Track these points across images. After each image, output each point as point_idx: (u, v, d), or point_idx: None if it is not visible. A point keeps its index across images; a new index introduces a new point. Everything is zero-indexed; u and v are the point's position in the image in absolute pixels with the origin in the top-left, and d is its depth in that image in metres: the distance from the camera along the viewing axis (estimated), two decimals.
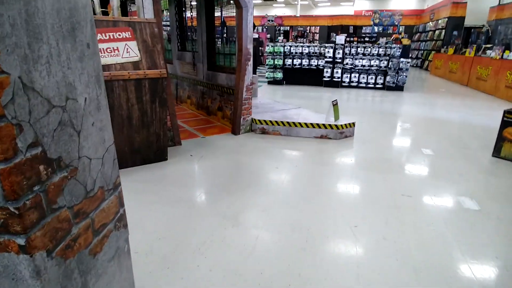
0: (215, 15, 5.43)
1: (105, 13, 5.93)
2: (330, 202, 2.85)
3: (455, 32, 15.22)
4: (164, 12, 7.50)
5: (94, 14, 5.46)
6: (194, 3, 5.68)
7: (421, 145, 4.46)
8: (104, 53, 3.01)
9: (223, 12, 5.57)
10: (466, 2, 15.45)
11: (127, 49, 3.07)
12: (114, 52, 3.04)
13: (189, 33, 6.44)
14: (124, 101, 3.13)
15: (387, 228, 2.44)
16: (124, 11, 5.68)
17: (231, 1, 5.10)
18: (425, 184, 3.26)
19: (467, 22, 15.19)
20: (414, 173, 3.56)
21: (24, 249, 0.60)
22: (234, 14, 5.29)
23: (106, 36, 3.05)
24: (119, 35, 3.11)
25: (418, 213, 2.68)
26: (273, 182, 3.27)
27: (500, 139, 3.87)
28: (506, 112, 3.81)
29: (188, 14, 6.28)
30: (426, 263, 2.06)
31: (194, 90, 6.15)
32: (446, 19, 15.79)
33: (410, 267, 2.02)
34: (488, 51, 9.77)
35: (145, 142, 3.44)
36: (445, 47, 14.75)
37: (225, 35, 6.25)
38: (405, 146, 4.57)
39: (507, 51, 8.85)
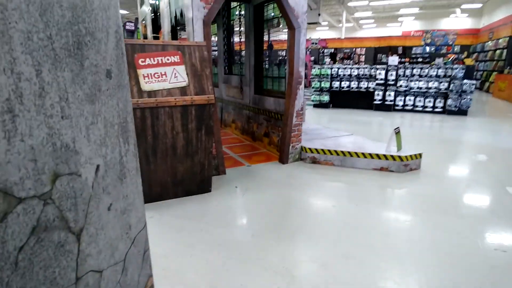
0: (264, 38, 5.24)
1: (156, 39, 6.04)
2: (400, 257, 2.30)
3: None
4: (212, 37, 7.56)
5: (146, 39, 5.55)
6: (242, 28, 5.57)
7: (503, 182, 3.70)
8: (152, 78, 2.84)
9: (271, 35, 5.37)
10: None
11: (175, 73, 2.88)
12: (162, 77, 2.87)
13: (236, 57, 6.33)
14: (169, 129, 2.91)
15: None
16: (175, 37, 5.73)
17: (280, 24, 4.88)
18: None
19: None
20: (503, 219, 2.86)
21: None
22: (280, 37, 5.06)
23: (154, 61, 2.90)
24: (168, 59, 2.94)
25: None
26: (330, 225, 2.79)
27: None
28: None
29: (236, 38, 6.20)
30: None
31: (239, 114, 5.93)
32: (508, 38, 14.39)
33: None
34: None
35: (188, 172, 3.17)
36: (508, 67, 13.32)
37: (271, 58, 6.05)
38: (482, 182, 3.83)
39: None
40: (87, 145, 0.41)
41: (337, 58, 17.85)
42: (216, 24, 6.52)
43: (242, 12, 5.45)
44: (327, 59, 15.66)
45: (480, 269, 2.15)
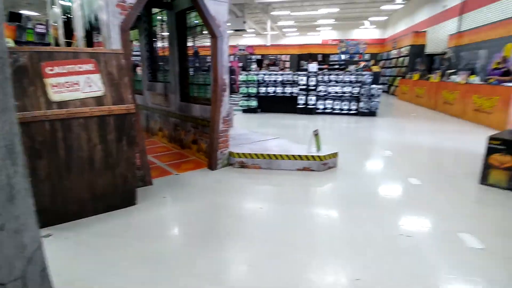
0: (188, 44, 5.21)
1: (68, 44, 5.54)
2: (324, 250, 2.53)
3: (418, 59, 16.11)
4: (134, 42, 7.22)
5: (58, 45, 5.07)
6: (166, 33, 5.45)
7: (407, 174, 4.33)
8: (62, 88, 2.62)
9: (196, 42, 5.37)
10: (426, 31, 16.58)
11: (89, 83, 2.70)
12: (74, 86, 2.67)
13: (160, 63, 6.16)
14: (85, 141, 2.71)
15: (393, 280, 2.15)
16: (90, 41, 5.33)
17: (204, 31, 4.92)
18: (420, 219, 3.06)
19: (428, 50, 16.22)
20: (407, 207, 3.36)
21: None
22: (208, 43, 5.10)
23: (64, 69, 2.68)
24: (80, 67, 2.75)
25: (422, 257, 2.43)
26: (257, 227, 2.92)
27: (487, 166, 3.81)
28: (491, 139, 3.77)
29: (160, 44, 6.04)
30: None
31: (166, 122, 5.78)
32: (409, 47, 16.78)
33: None
34: (453, 76, 10.28)
35: (110, 186, 2.99)
36: (409, 73, 15.53)
37: (197, 64, 6.04)
38: (390, 175, 4.42)
39: (472, 76, 9.33)
40: None
41: (263, 65, 18.54)
42: (137, 30, 6.26)
43: (165, 18, 5.35)
44: (254, 66, 16.17)
45: (391, 254, 2.48)
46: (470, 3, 13.26)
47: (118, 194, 3.08)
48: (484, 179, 3.82)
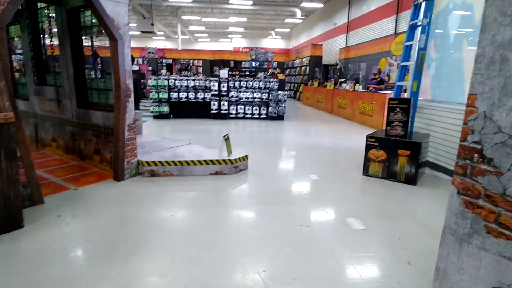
0: (85, 44, 4.75)
1: None
2: (234, 249, 2.64)
3: (316, 68, 17.99)
4: (16, 39, 6.22)
5: None
6: (55, 29, 4.85)
7: (308, 170, 4.81)
8: None
9: (95, 42, 4.93)
10: (322, 44, 18.63)
11: None
12: None
13: (50, 65, 5.45)
14: None
15: (295, 266, 2.38)
16: None
17: (102, 31, 4.58)
18: (317, 210, 3.44)
19: (324, 61, 18.27)
20: (307, 200, 3.73)
21: None
22: (107, 43, 4.75)
23: None
24: None
25: (318, 242, 2.74)
26: (168, 234, 2.86)
27: (367, 160, 4.52)
28: (368, 137, 4.49)
29: (48, 41, 5.34)
30: None
31: (61, 131, 5.14)
32: (309, 57, 18.58)
33: None
34: (343, 84, 11.81)
35: None
36: (310, 81, 17.21)
37: (99, 67, 5.55)
38: (294, 173, 4.84)
39: (357, 84, 10.89)
40: None
41: (174, 69, 18.08)
42: (19, 25, 5.43)
43: (53, 15, 4.77)
44: (163, 70, 15.66)
45: (293, 242, 2.72)
46: (353, 23, 15.53)
47: None
48: (366, 171, 4.54)
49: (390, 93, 7.74)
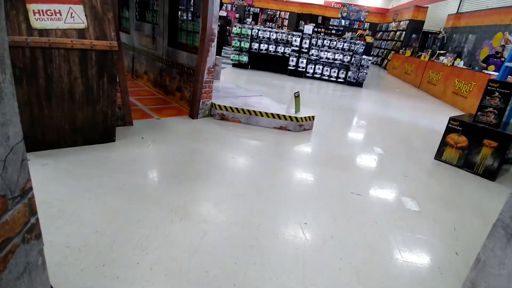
0: None
1: None
2: (282, 198, 2.83)
3: (414, 35, 15.98)
4: None
5: None
6: None
7: (374, 143, 4.63)
8: (43, 15, 2.61)
9: None
10: (428, 7, 16.24)
11: (72, 13, 2.70)
12: (56, 15, 2.66)
13: (150, 2, 5.94)
14: (65, 73, 2.77)
15: (335, 226, 2.49)
16: None
17: None
18: (373, 182, 3.39)
19: (426, 27, 16.03)
20: (365, 171, 3.68)
21: None
22: None
23: None
24: None
25: (364, 211, 2.77)
26: (227, 173, 3.17)
27: (443, 144, 4.14)
28: (451, 119, 4.06)
29: None
30: (367, 262, 2.12)
31: (152, 65, 5.74)
32: (408, 21, 16.50)
33: (352, 267, 2.07)
34: (441, 57, 10.40)
35: (89, 120, 3.12)
36: (403, 48, 15.47)
37: (191, 9, 5.86)
38: (359, 143, 4.72)
39: (458, 59, 9.48)
40: None
41: (260, 19, 17.87)
42: None
43: None
44: (249, 19, 15.61)
45: (340, 205, 2.81)
46: None
47: (97, 129, 3.22)
48: (439, 155, 4.18)
49: (495, 75, 6.63)
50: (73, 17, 2.70)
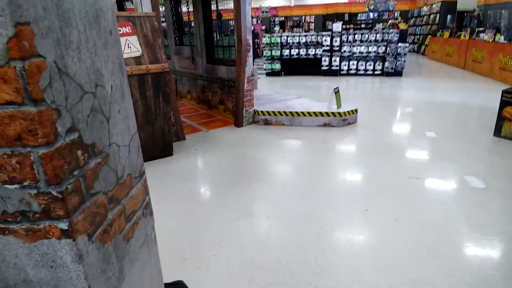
0: (212, 8, 5.39)
1: None
2: (339, 189, 2.87)
3: (449, 16, 15.13)
4: (160, 7, 7.43)
5: None
6: None
7: (424, 128, 4.47)
8: None
9: (219, 5, 5.53)
10: None
11: (128, 44, 3.04)
12: None
13: (185, 28, 6.39)
14: None
15: (398, 210, 2.46)
16: (120, 8, 5.62)
17: None
18: (431, 165, 3.28)
19: (459, 7, 15.09)
20: (420, 155, 3.57)
21: (67, 234, 0.60)
22: (228, 7, 5.24)
23: None
24: (119, 30, 3.08)
25: (427, 194, 2.70)
26: (281, 172, 3.28)
27: (500, 119, 3.88)
28: (505, 92, 3.81)
29: (184, 8, 6.22)
30: (439, 241, 2.08)
31: (193, 84, 6.12)
32: (440, 3, 15.69)
33: (425, 247, 2.04)
34: (481, 34, 9.72)
35: (150, 138, 3.43)
36: (440, 31, 14.66)
37: (221, 28, 6.20)
38: (408, 130, 4.57)
39: (498, 34, 8.83)
40: (106, 72, 0.73)
41: (287, 27, 18.08)
42: None
43: None
44: (277, 28, 15.86)
45: (399, 190, 2.78)
46: None
47: (157, 146, 3.53)
48: (498, 132, 3.91)
49: None
50: (130, 47, 3.04)
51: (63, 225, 0.59)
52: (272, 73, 10.32)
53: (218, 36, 5.64)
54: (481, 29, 10.73)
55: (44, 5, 0.53)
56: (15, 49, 0.48)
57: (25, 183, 0.56)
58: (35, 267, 0.62)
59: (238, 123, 4.80)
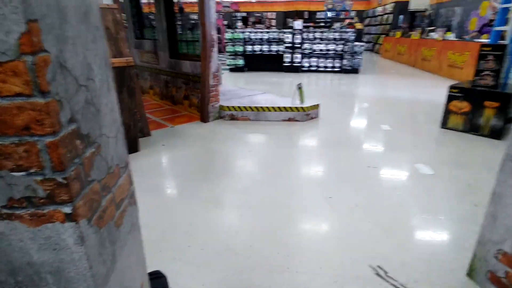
0: (174, 0, 5.30)
1: None
2: (304, 179, 3.04)
3: (401, 16, 16.20)
4: None
5: None
6: None
7: (379, 121, 4.83)
8: None
9: None
10: None
11: None
12: None
13: (146, 21, 6.21)
14: None
15: (358, 196, 2.68)
16: None
17: None
18: (386, 156, 3.58)
19: (412, 6, 16.23)
20: (376, 146, 3.88)
21: (70, 217, 0.64)
22: (191, 0, 5.17)
23: None
24: None
25: (383, 181, 2.97)
26: (249, 165, 3.38)
27: (447, 112, 4.33)
28: (451, 87, 4.26)
29: (144, 0, 6.05)
30: (393, 222, 2.32)
31: (156, 79, 5.99)
32: (393, 3, 16.72)
33: (380, 227, 2.26)
34: (432, 33, 10.58)
35: None
36: (393, 30, 15.67)
37: (183, 22, 6.13)
38: (365, 123, 4.91)
39: (448, 33, 9.67)
40: (95, 66, 0.76)
41: (249, 23, 18.15)
42: None
43: None
44: (239, 23, 15.86)
45: (359, 178, 3.01)
46: None
47: None
48: (444, 124, 4.37)
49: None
50: None
51: (67, 209, 0.63)
52: (235, 69, 10.37)
53: (181, 30, 5.57)
54: (431, 28, 11.63)
55: (47, 3, 0.57)
56: (27, 44, 0.52)
57: (31, 170, 0.60)
58: (39, 250, 0.66)
59: (204, 119, 4.81)
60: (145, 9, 6.13)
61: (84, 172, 0.69)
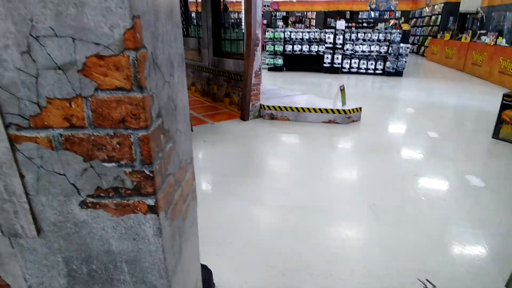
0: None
1: None
2: (346, 184, 2.95)
3: (451, 18, 15.25)
4: None
5: None
6: None
7: (426, 128, 4.57)
8: None
9: None
10: None
11: None
12: None
13: (192, 19, 6.38)
14: None
15: (404, 205, 2.56)
16: None
17: None
18: (435, 164, 3.38)
19: (462, 8, 15.21)
20: (424, 154, 3.68)
21: (153, 209, 0.66)
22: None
23: None
24: None
25: (431, 191, 2.81)
26: (288, 166, 3.36)
27: (499, 122, 3.99)
28: (505, 96, 3.92)
29: None
30: (441, 235, 2.18)
31: (199, 76, 6.14)
32: (442, 4, 15.79)
33: (428, 238, 2.14)
34: (483, 37, 9.85)
35: None
36: (441, 32, 14.79)
37: (229, 20, 6.21)
38: (411, 129, 4.68)
39: (500, 38, 8.96)
40: (175, 63, 0.80)
41: (289, 22, 18.05)
42: None
43: None
44: (280, 23, 15.82)
45: (403, 188, 2.87)
46: None
47: None
48: (496, 134, 4.03)
49: None
50: None
51: (151, 201, 0.65)
52: (274, 68, 10.35)
53: (225, 28, 5.65)
54: (483, 31, 10.85)
55: (147, 0, 0.59)
56: (131, 39, 0.54)
57: (122, 162, 0.62)
58: (119, 239, 0.69)
59: (244, 117, 4.85)
60: (193, 8, 6.30)
61: (165, 166, 0.71)
